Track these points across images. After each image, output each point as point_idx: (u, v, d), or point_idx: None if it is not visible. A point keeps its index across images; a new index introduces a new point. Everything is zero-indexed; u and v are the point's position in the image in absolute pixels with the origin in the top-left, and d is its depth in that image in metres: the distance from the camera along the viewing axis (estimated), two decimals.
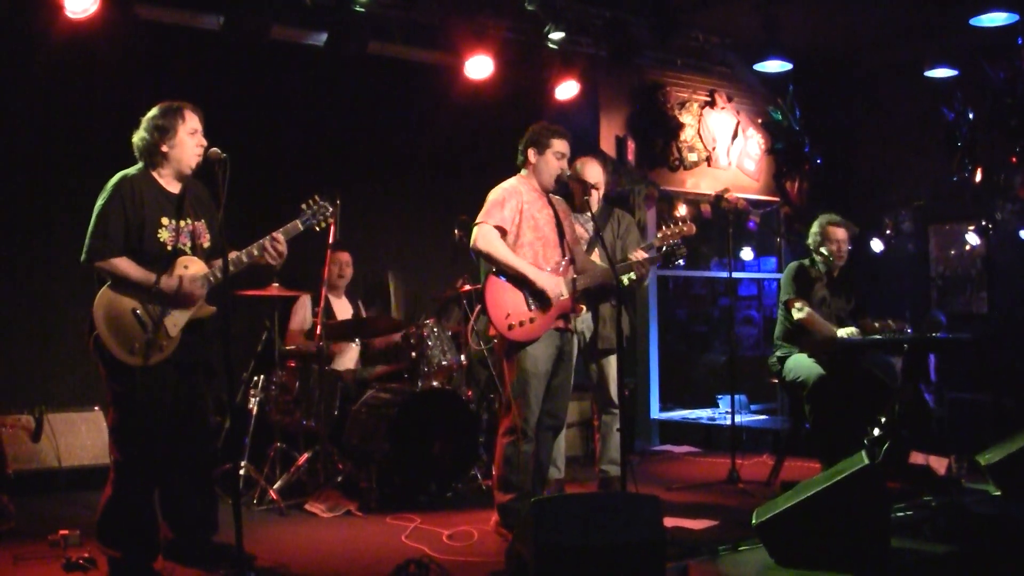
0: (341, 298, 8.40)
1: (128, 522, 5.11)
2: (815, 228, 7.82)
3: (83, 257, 5.04)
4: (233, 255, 5.12)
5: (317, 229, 5.48)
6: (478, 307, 7.52)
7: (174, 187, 5.23)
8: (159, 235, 5.09)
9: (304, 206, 5.42)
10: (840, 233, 7.73)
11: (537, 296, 6.06)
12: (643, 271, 6.81)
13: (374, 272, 9.17)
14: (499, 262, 6.04)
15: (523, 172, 6.36)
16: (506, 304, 6.03)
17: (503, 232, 6.09)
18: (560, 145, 6.27)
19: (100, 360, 5.07)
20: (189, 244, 5.20)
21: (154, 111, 5.21)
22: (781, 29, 9.31)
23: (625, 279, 6.72)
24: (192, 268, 5.14)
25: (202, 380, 5.33)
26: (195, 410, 5.27)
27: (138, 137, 5.19)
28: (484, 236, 6.07)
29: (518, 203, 6.15)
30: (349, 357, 8.25)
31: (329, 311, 7.92)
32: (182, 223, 5.19)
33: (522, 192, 6.21)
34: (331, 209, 5.49)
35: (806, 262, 7.84)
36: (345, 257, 8.29)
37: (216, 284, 5.17)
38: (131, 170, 5.19)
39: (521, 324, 6.02)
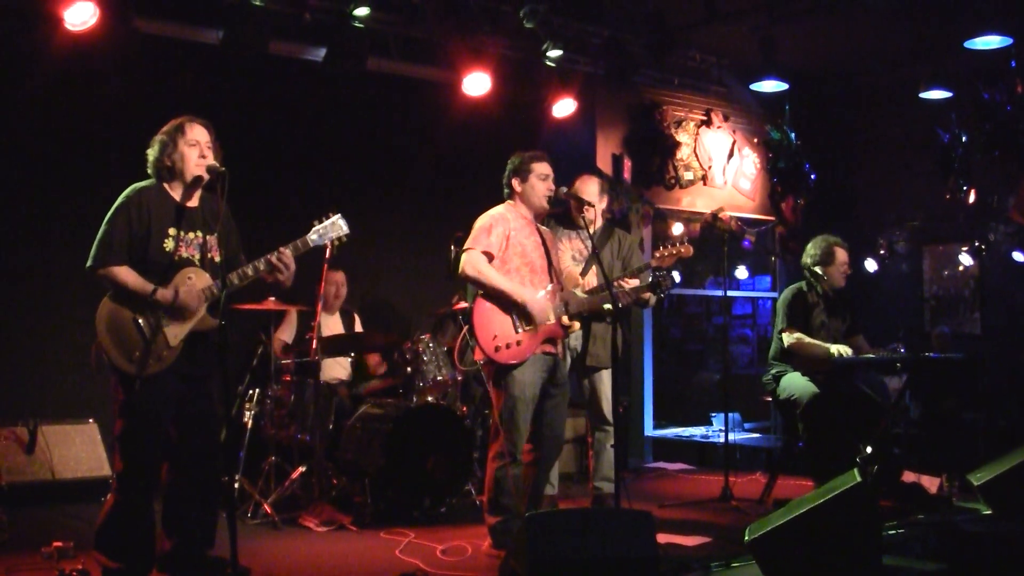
0: (333, 315, 8.39)
1: (128, 532, 5.11)
2: (819, 247, 7.73)
3: (87, 264, 5.08)
4: (241, 270, 5.17)
5: (328, 247, 5.50)
6: (465, 327, 7.53)
7: (185, 199, 5.24)
8: (164, 244, 5.10)
9: (316, 222, 5.43)
10: (844, 255, 7.70)
11: (524, 316, 6.07)
12: (627, 301, 6.81)
13: (371, 288, 9.19)
14: (487, 285, 6.05)
15: (510, 201, 6.37)
16: (493, 326, 6.04)
17: (490, 257, 6.11)
18: (541, 168, 6.27)
19: (108, 368, 5.09)
20: (197, 256, 5.20)
21: (164, 127, 5.25)
22: (777, 49, 9.35)
23: (607, 306, 6.58)
24: (196, 280, 5.15)
25: (211, 392, 5.32)
26: (202, 422, 5.26)
27: (149, 151, 5.24)
28: (471, 262, 6.08)
29: (505, 229, 6.16)
30: (338, 369, 8.26)
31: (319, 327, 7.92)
32: (190, 234, 5.20)
33: (509, 219, 6.22)
34: (346, 228, 5.49)
35: (803, 286, 7.76)
36: (340, 278, 8.30)
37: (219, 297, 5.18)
38: (145, 182, 5.22)
39: (508, 346, 6.03)
